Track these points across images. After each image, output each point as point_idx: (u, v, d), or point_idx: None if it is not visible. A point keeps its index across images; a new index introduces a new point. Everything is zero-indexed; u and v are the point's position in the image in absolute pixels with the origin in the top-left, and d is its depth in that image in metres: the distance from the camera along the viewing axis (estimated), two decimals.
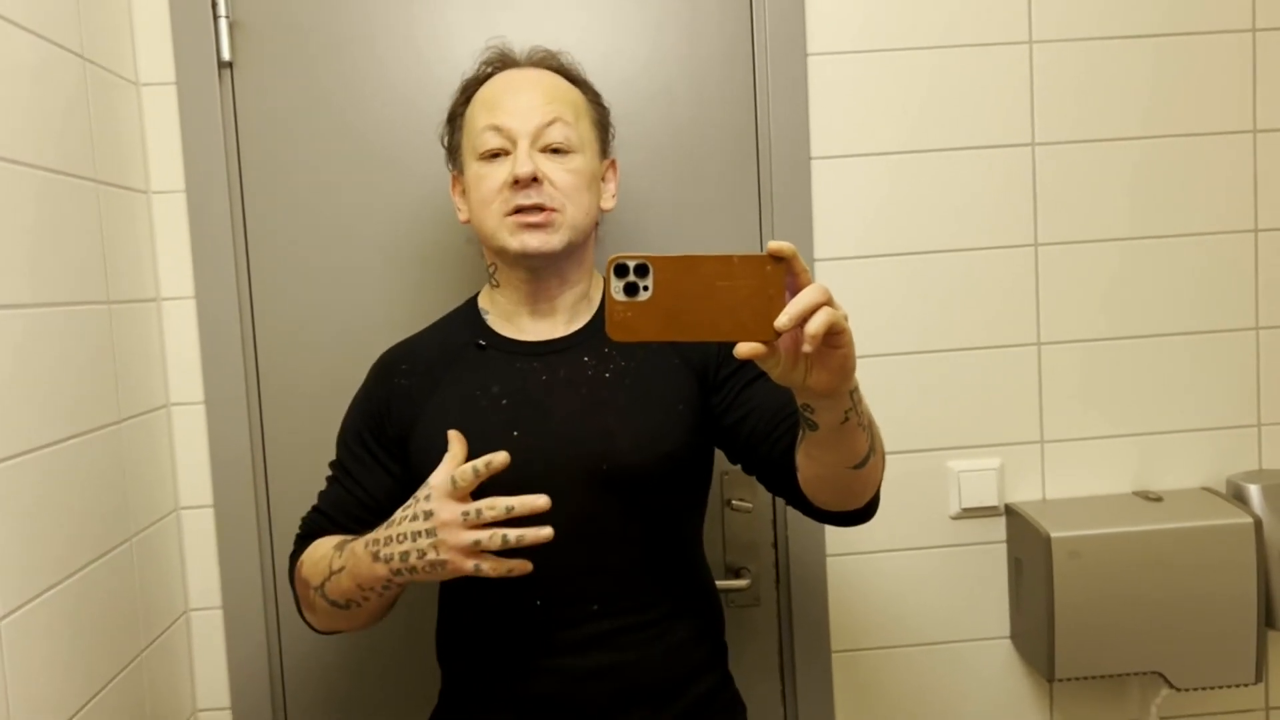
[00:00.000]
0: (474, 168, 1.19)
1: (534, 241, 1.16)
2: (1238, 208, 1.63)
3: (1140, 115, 1.61)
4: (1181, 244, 1.63)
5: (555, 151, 1.17)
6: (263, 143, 1.55)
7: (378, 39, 1.55)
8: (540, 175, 1.15)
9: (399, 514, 1.05)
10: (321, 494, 1.27)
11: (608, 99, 1.29)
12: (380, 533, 1.06)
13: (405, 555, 1.02)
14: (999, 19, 1.59)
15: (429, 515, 1.01)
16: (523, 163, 1.15)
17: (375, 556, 1.05)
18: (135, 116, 1.50)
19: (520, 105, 1.18)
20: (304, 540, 1.24)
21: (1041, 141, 1.60)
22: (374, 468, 1.23)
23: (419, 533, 1.02)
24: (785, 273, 0.79)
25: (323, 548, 1.16)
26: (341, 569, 1.10)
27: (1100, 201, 1.62)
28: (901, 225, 1.60)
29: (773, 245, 0.78)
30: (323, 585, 1.13)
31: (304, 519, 1.27)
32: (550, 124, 1.17)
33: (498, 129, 1.17)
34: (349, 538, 1.13)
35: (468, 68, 1.27)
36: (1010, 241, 1.61)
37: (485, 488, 1.13)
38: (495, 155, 1.17)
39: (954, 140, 1.59)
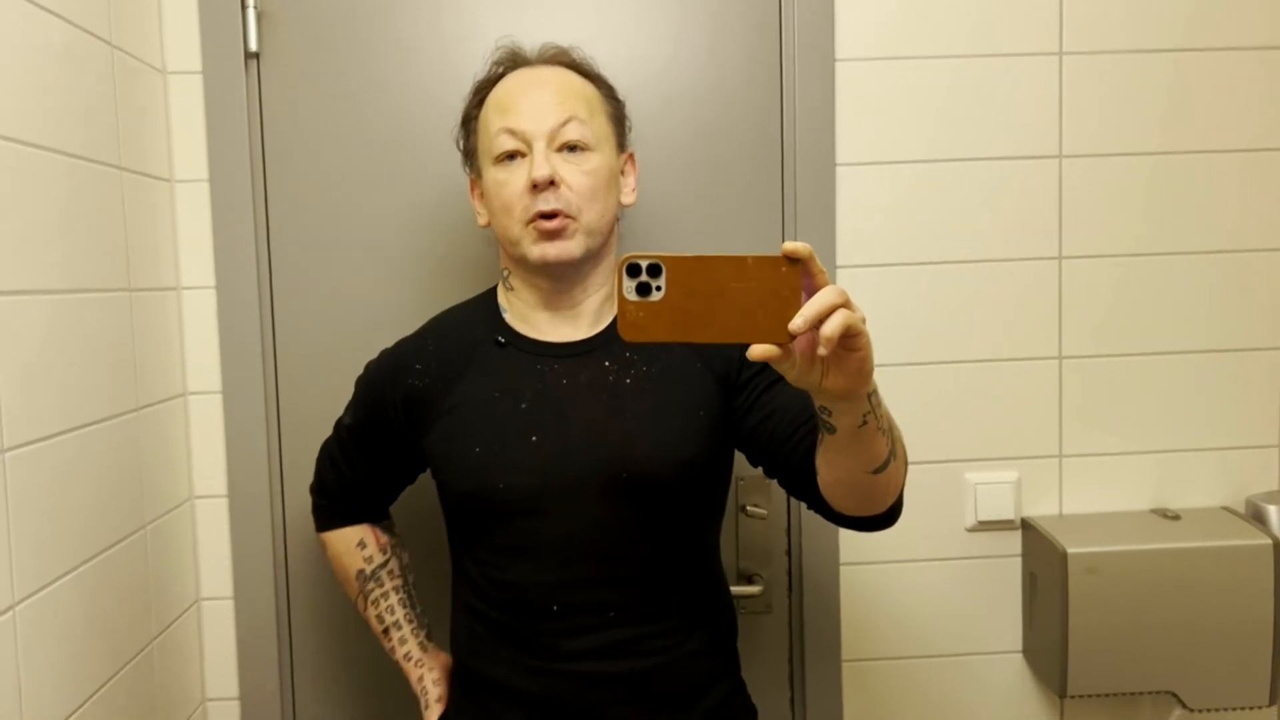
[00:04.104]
0: (491, 173, 1.17)
1: (553, 251, 1.14)
2: (1265, 226, 1.61)
3: (1170, 130, 1.59)
4: (1206, 261, 1.61)
5: (572, 149, 1.15)
6: (287, 134, 1.55)
7: (404, 34, 1.55)
8: (557, 179, 1.13)
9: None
10: (329, 455, 1.36)
11: (629, 98, 1.27)
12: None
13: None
14: (1030, 29, 1.57)
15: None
16: (539, 165, 1.13)
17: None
18: (161, 105, 1.50)
19: (534, 106, 1.15)
20: (324, 491, 1.37)
21: (1069, 154, 1.59)
22: (359, 463, 1.32)
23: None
24: (801, 274, 0.77)
25: (354, 560, 1.36)
26: (390, 643, 1.36)
27: (1126, 216, 1.60)
28: (926, 234, 1.59)
29: (788, 246, 0.77)
30: (360, 604, 1.37)
31: (321, 476, 1.37)
32: (565, 123, 1.15)
33: (512, 132, 1.15)
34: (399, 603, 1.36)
35: (480, 68, 1.26)
36: (1034, 254, 1.60)
37: (504, 495, 1.13)
38: (511, 157, 1.15)
39: (981, 150, 1.58)
